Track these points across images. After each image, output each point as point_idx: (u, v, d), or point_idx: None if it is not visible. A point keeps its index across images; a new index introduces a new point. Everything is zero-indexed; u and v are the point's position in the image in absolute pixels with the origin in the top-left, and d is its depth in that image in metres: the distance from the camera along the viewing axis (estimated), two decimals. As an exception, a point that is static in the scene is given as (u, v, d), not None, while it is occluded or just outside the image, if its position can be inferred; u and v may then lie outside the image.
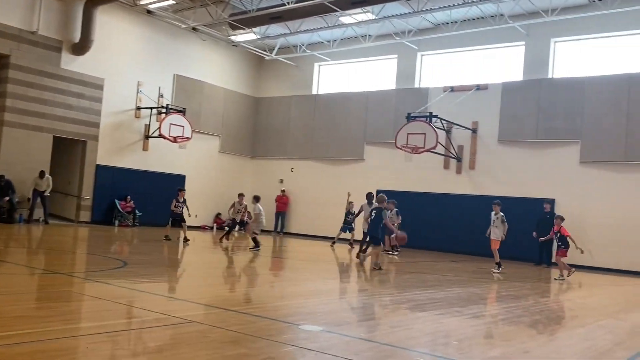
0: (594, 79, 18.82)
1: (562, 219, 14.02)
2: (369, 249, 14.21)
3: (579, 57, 19.77)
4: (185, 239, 15.94)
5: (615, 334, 7.10)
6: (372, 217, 12.60)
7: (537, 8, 18.51)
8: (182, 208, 16.40)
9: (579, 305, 10.51)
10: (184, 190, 17.11)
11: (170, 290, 8.41)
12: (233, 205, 16.86)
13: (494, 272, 13.97)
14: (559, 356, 5.69)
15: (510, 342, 6.16)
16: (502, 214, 14.29)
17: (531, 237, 17.70)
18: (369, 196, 16.42)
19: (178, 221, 16.55)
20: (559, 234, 13.79)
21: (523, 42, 20.36)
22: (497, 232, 14.26)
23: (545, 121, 19.46)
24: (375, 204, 13.71)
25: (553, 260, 17.96)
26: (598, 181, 18.39)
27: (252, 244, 15.15)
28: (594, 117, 18.61)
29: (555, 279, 13.68)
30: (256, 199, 15.65)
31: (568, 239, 13.61)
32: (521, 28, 19.76)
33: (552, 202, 18.44)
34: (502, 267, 14.34)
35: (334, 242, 19.25)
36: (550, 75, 19.84)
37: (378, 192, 22.04)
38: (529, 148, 19.80)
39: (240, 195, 16.81)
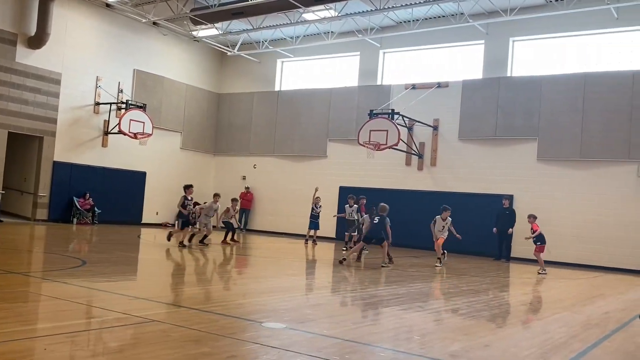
0: (551, 77, 19.29)
1: (535, 217, 14.78)
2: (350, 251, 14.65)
3: (536, 56, 20.22)
4: (182, 243, 14.73)
5: (570, 327, 7.30)
6: (376, 222, 13.50)
7: (497, 7, 18.84)
8: (191, 207, 14.88)
9: (536, 299, 10.78)
10: (192, 187, 15.10)
11: (131, 289, 8.28)
12: (227, 210, 17.16)
13: (436, 266, 14.39)
14: (517, 349, 5.83)
15: (471, 336, 6.27)
16: (450, 219, 14.71)
17: (491, 233, 18.11)
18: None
19: (187, 222, 14.93)
20: (532, 230, 14.50)
21: (483, 41, 20.71)
22: (441, 234, 14.77)
23: (504, 119, 19.85)
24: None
25: (512, 255, 18.46)
26: (555, 177, 18.87)
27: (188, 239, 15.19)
28: (551, 115, 19.07)
29: (539, 273, 14.25)
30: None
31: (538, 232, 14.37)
32: (481, 27, 20.10)
33: (510, 197, 18.83)
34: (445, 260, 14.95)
35: (313, 241, 19.29)
36: (509, 74, 20.24)
37: (341, 188, 22.21)
38: (488, 145, 20.17)
39: (234, 200, 17.72)
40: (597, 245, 17.91)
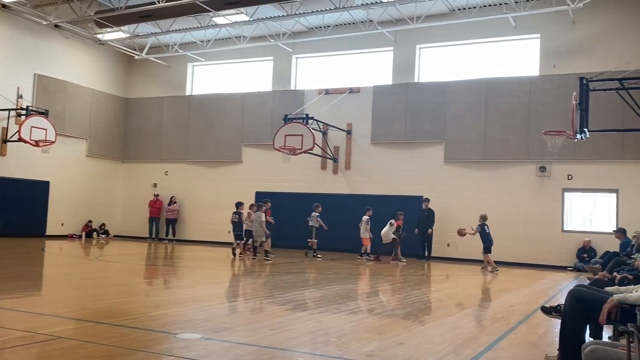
0: (455, 83, 20.14)
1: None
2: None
3: (441, 63, 21.05)
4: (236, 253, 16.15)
5: (479, 321, 7.64)
6: (488, 231, 16.09)
7: (403, 15, 19.45)
8: (238, 219, 16.23)
9: (446, 295, 11.18)
10: (242, 204, 16.91)
11: (35, 306, 7.83)
12: (249, 216, 17.15)
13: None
14: (429, 345, 6.02)
15: (386, 335, 6.41)
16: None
17: (414, 234, 18.74)
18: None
19: (240, 235, 16.32)
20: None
21: (391, 48, 21.30)
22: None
23: (412, 123, 20.51)
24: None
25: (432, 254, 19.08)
26: (460, 179, 19.71)
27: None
28: (455, 119, 19.91)
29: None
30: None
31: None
32: (389, 34, 20.68)
33: (420, 199, 19.45)
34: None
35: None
36: (416, 80, 20.94)
37: (257, 194, 22.06)
38: (399, 148, 20.76)
39: (252, 206, 17.66)
40: (501, 242, 18.77)
